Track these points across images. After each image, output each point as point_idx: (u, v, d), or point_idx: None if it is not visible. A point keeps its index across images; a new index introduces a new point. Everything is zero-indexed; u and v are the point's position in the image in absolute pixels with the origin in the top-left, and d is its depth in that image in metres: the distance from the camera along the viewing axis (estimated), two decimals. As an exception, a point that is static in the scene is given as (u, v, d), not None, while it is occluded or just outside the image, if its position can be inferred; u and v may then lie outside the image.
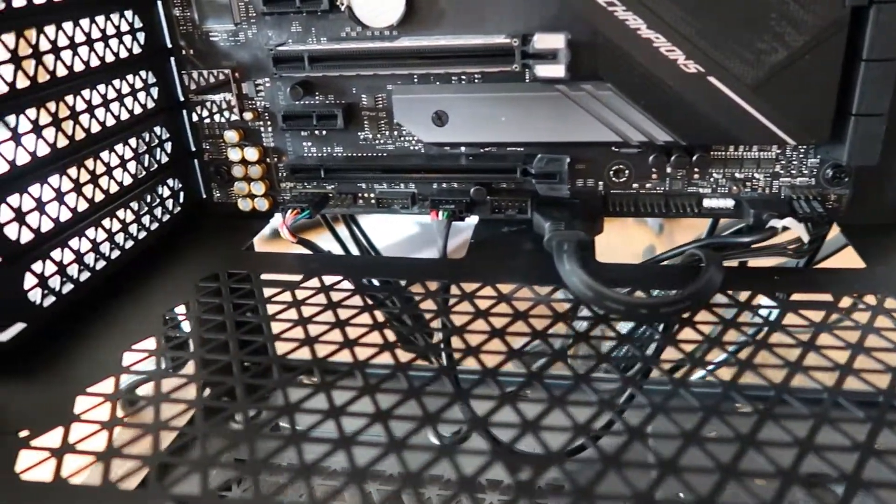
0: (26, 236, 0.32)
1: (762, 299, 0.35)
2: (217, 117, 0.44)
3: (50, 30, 0.33)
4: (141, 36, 0.40)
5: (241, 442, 0.26)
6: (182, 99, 0.44)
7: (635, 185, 0.42)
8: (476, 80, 0.41)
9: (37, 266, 0.33)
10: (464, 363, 0.32)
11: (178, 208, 0.44)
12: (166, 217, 0.43)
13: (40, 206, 0.33)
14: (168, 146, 0.43)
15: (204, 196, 0.47)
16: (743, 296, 0.35)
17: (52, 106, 0.33)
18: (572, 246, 0.36)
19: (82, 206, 0.36)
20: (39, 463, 0.26)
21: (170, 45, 0.43)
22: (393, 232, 0.97)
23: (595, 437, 0.26)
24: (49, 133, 0.33)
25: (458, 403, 0.28)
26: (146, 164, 0.41)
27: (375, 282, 0.39)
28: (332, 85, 0.42)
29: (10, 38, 0.31)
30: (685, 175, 0.41)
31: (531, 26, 0.38)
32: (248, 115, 0.43)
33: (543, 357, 0.31)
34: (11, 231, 0.31)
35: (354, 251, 0.52)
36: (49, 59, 0.33)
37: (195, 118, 0.44)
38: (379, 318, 0.34)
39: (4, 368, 0.31)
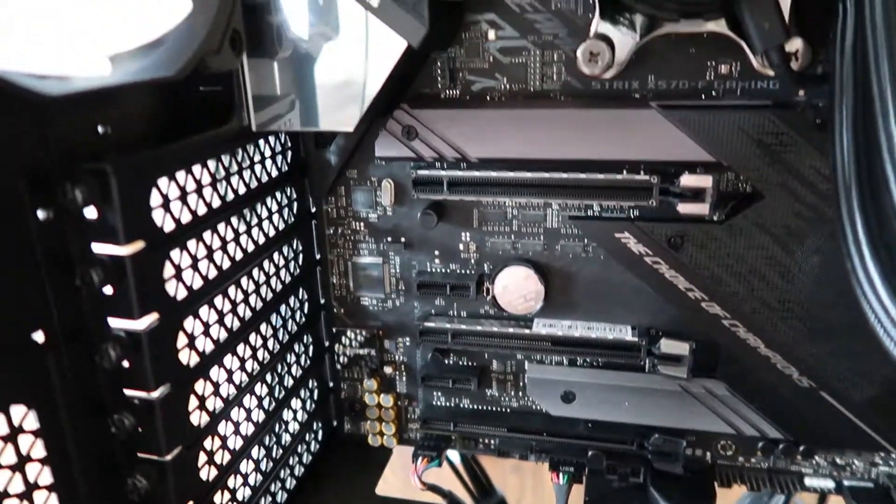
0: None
1: None
2: (359, 367, 0.49)
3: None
4: (306, 306, 0.46)
5: None
6: (327, 344, 0.50)
7: (741, 459, 0.46)
8: (598, 362, 0.45)
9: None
10: None
11: (317, 445, 0.49)
12: (308, 458, 0.48)
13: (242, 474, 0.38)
14: (316, 391, 0.48)
15: (335, 424, 0.52)
16: None
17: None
18: (696, 543, 0.39)
19: (258, 466, 0.40)
20: None
21: (322, 301, 0.49)
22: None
23: None
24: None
25: None
26: (300, 418, 0.46)
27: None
28: (468, 352, 0.47)
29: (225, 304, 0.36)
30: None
31: (656, 322, 0.43)
32: (388, 369, 0.49)
33: None
34: (203, 473, 0.35)
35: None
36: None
37: (338, 365, 0.50)
38: None
39: None
